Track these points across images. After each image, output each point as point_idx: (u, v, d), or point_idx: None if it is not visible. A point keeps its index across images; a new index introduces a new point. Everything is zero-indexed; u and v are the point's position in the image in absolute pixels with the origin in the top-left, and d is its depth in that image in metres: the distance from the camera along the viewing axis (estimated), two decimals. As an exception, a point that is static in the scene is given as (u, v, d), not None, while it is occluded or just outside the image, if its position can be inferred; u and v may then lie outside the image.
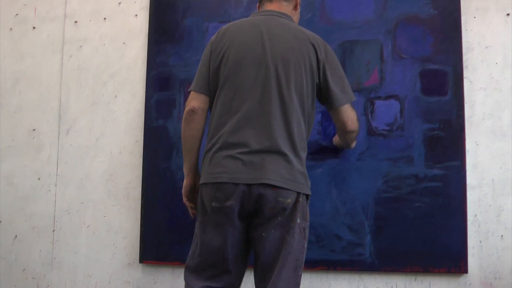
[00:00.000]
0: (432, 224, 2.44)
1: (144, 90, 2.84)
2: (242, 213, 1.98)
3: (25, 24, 3.10)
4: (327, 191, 2.55)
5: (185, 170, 2.17)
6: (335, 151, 2.55)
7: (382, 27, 2.59)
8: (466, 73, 2.53)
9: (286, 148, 1.96)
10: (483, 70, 2.54)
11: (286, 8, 2.16)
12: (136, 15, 2.94)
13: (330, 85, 2.06)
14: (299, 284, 1.98)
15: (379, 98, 2.56)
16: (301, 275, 1.99)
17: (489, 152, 2.49)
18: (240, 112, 1.99)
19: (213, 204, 1.98)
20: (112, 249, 2.82)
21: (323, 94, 2.10)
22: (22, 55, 3.08)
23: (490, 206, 2.46)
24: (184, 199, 2.21)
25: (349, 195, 2.53)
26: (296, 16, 2.23)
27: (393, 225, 2.47)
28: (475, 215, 2.46)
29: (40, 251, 2.90)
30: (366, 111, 2.56)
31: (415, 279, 2.47)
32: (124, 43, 2.94)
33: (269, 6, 2.16)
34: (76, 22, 3.03)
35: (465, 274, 2.43)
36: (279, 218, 1.95)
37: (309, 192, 2.03)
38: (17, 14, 3.11)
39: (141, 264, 2.75)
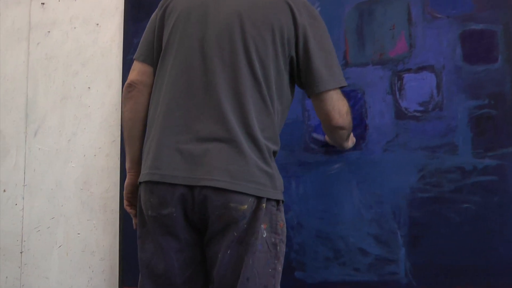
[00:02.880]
0: (486, 230, 1.85)
1: (121, 79, 2.35)
2: (189, 224, 1.48)
3: (-13, 10, 2.65)
4: (346, 193, 1.99)
5: (127, 164, 1.67)
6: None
7: (408, -19, 2.03)
8: (521, 33, 1.94)
9: (238, 135, 1.44)
10: (544, 28, 1.95)
11: None
12: (110, -11, 2.46)
13: (313, 59, 1.53)
14: None
15: (408, 70, 1.99)
16: None
17: (558, 134, 1.89)
18: (178, 84, 1.50)
19: (149, 212, 1.49)
20: (88, 273, 2.32)
21: (302, 73, 1.56)
22: (-16, 47, 2.63)
23: (562, 204, 1.85)
24: (125, 204, 1.71)
25: (375, 197, 1.96)
26: None
27: (434, 234, 1.88)
28: (543, 217, 1.86)
29: (7, 277, 2.43)
30: (392, 89, 2.00)
31: (466, 304, 1.89)
32: (98, 24, 2.46)
33: None
34: (43, 4, 2.56)
35: (532, 296, 1.84)
36: (235, 233, 1.43)
37: (278, 197, 1.50)
38: (-22, 0, 2.67)
39: (121, 290, 2.25)
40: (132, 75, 1.64)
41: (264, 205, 1.45)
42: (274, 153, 1.54)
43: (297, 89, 1.66)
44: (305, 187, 2.04)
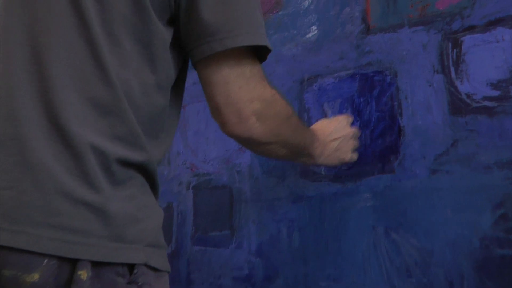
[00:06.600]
0: None
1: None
2: None
3: None
4: (369, 247, 1.17)
5: None
6: (382, 157, 1.18)
7: None
8: None
9: (25, 126, 0.70)
10: None
11: None
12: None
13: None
14: None
15: (471, 30, 1.14)
16: None
17: None
18: None
19: None
20: None
21: (183, 24, 0.82)
22: None
23: None
24: None
25: (418, 254, 1.11)
26: None
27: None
28: None
29: None
30: (444, 63, 1.16)
31: None
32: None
33: None
34: None
35: None
36: None
37: (131, 259, 0.73)
38: None
39: None
40: None
41: (83, 273, 0.68)
42: (130, 165, 0.77)
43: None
44: (302, 237, 1.24)
